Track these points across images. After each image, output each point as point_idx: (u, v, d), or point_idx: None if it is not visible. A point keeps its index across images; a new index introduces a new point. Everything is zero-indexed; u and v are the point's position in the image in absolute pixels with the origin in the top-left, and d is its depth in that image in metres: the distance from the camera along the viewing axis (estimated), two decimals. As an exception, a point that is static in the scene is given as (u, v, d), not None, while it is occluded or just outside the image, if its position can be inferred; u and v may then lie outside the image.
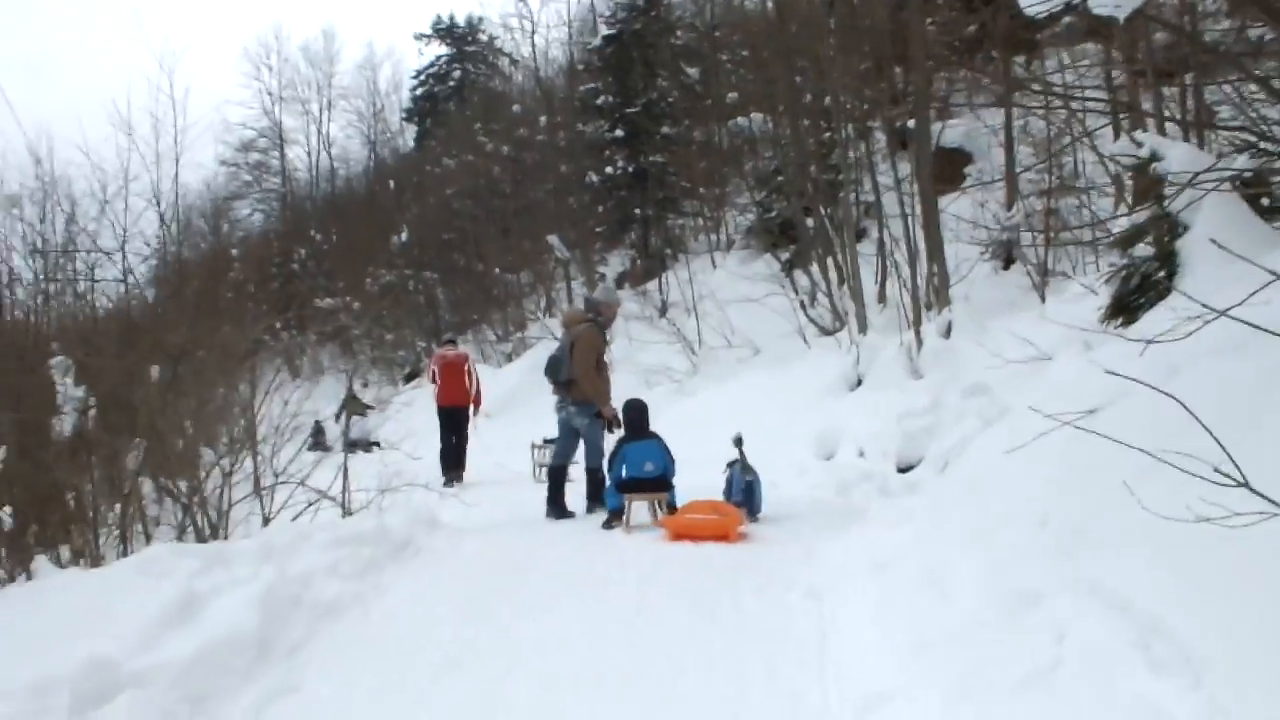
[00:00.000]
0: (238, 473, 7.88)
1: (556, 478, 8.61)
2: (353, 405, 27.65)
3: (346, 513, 8.44)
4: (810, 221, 17.66)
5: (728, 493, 8.25)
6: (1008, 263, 16.87)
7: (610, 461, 7.96)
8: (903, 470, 10.36)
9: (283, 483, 7.90)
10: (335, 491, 8.32)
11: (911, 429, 10.54)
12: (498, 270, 26.75)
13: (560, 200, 25.86)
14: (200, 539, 7.13)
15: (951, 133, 18.25)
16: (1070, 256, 13.87)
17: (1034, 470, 4.63)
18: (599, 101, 24.71)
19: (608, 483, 7.97)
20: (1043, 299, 14.00)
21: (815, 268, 16.88)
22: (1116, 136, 16.26)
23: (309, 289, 43.71)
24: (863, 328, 13.88)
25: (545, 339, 22.42)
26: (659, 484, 7.75)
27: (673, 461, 7.96)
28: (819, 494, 9.80)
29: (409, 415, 17.81)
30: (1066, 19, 10.48)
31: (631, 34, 24.63)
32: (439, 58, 45.17)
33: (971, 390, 10.58)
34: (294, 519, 7.66)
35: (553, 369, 8.76)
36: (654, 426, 8.35)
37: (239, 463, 7.97)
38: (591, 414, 8.43)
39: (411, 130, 47.84)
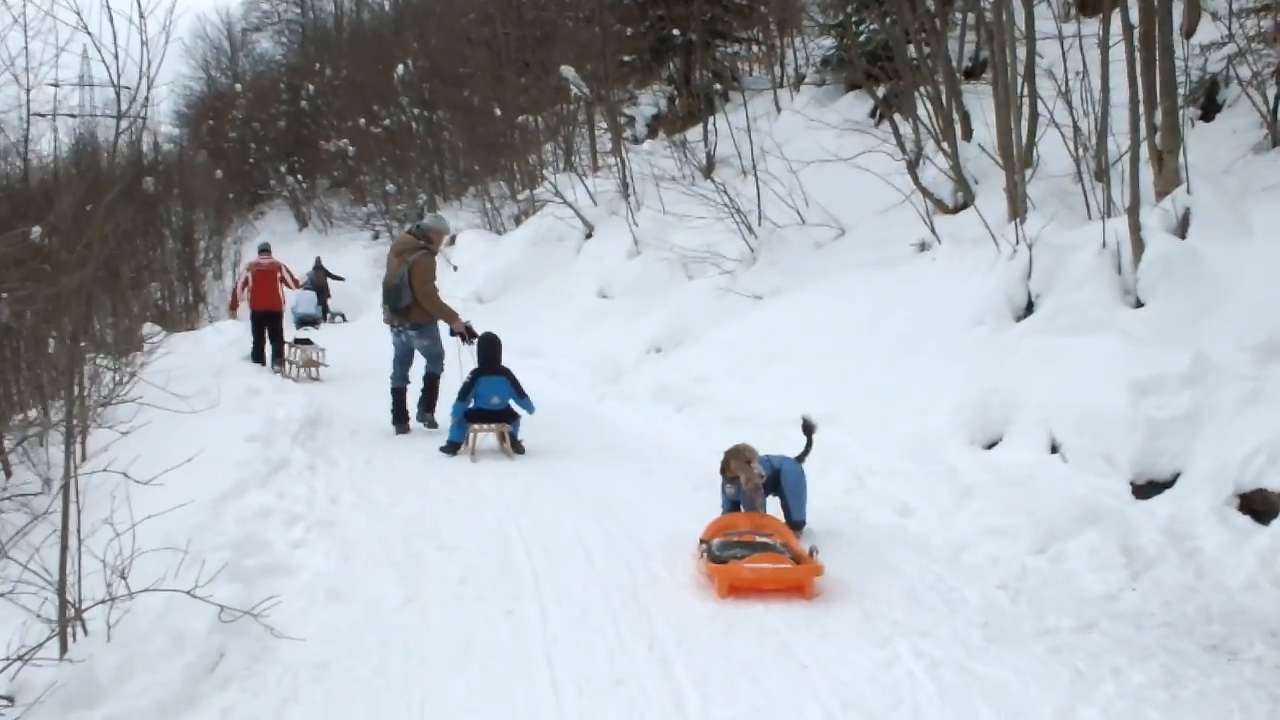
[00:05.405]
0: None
1: (399, 397, 9.17)
2: (320, 275, 23.34)
3: (71, 611, 4.06)
4: (914, 51, 12.51)
5: (777, 491, 5.77)
6: (1208, 112, 11.71)
7: (463, 394, 8.19)
8: (1142, 493, 5.75)
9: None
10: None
11: (1160, 415, 5.88)
12: (499, 111, 21.68)
13: (586, 29, 20.48)
14: None
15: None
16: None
17: None
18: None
19: (452, 417, 8.27)
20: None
21: (925, 111, 11.74)
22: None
23: (317, 130, 39.19)
24: (1020, 211, 9.01)
25: (554, 202, 17.63)
26: (504, 415, 8.17)
27: (523, 395, 8.23)
28: (1008, 551, 5.23)
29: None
30: None
31: None
32: None
33: (1270, 347, 5.89)
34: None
35: (393, 297, 8.97)
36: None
37: None
38: (432, 334, 9.07)
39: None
